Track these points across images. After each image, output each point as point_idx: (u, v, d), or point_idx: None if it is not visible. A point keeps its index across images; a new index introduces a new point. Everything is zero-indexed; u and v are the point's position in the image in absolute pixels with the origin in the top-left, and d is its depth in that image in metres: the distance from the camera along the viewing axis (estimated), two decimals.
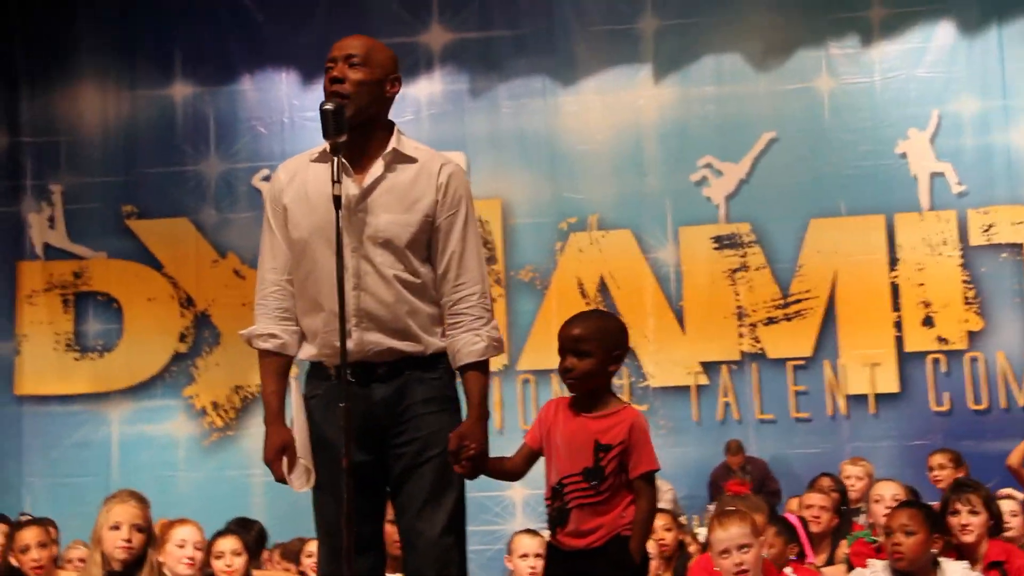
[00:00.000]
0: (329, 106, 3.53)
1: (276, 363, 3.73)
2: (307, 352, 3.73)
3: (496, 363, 9.76)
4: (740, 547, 4.69)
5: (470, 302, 3.69)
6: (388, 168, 3.67)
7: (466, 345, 3.65)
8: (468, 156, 10.25)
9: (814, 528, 6.54)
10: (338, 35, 10.80)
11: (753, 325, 9.88)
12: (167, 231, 10.48)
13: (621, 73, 10.32)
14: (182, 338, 10.34)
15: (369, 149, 3.68)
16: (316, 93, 10.48)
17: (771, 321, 9.87)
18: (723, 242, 10.01)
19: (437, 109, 10.39)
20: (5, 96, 10.66)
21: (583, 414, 3.71)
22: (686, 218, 10.09)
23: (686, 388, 9.87)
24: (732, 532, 4.72)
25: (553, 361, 9.90)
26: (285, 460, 3.59)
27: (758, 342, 9.86)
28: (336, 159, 3.49)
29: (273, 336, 3.73)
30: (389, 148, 3.69)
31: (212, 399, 10.20)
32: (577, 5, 10.38)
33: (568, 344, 3.72)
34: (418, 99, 10.39)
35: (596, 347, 3.69)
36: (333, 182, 3.46)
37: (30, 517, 6.50)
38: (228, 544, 5.59)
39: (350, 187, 3.61)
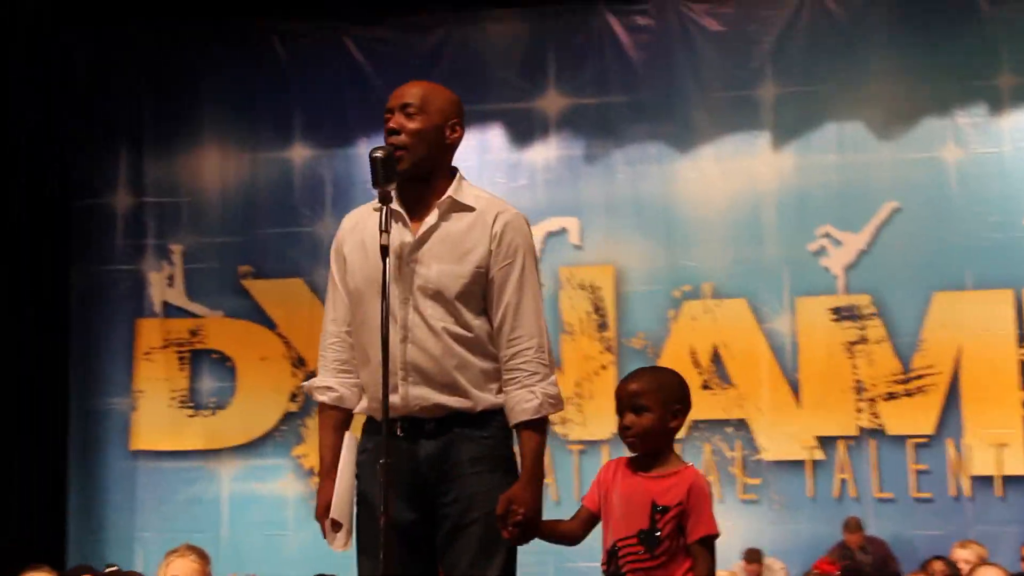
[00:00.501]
0: (378, 153, 3.42)
1: (333, 417, 3.62)
2: (362, 406, 3.61)
3: (605, 432, 9.70)
4: None
5: (525, 357, 3.51)
6: (443, 217, 3.54)
7: (519, 403, 3.48)
8: (582, 222, 10.18)
9: None
10: None
11: (872, 400, 9.55)
12: (281, 291, 10.57)
13: (740, 140, 10.17)
14: (293, 398, 10.38)
15: (428, 197, 3.55)
16: None
17: (891, 396, 9.53)
18: (842, 314, 9.73)
19: (552, 175, 10.34)
20: (131, 158, 10.91)
21: (641, 473, 3.53)
22: (804, 288, 9.84)
23: (801, 463, 9.57)
24: None
25: None
26: (331, 518, 3.48)
27: (877, 417, 9.53)
28: (385, 208, 3.37)
29: (329, 389, 3.62)
30: (445, 196, 3.55)
31: None
32: (696, 71, 10.26)
33: (626, 401, 3.56)
34: (533, 164, 10.37)
35: (654, 402, 3.51)
36: (381, 231, 3.34)
37: (116, 569, 6.50)
38: None
39: (405, 236, 3.50)
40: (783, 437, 9.61)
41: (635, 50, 10.33)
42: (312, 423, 10.29)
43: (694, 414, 9.87)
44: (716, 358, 9.82)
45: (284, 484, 10.28)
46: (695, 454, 9.55)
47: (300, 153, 10.72)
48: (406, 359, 3.46)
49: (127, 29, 10.84)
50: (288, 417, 10.38)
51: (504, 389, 3.52)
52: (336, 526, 3.47)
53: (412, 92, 3.57)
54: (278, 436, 10.37)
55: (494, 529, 3.40)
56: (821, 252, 9.87)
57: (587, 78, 10.43)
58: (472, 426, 3.50)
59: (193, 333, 10.66)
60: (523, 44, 10.58)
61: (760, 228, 9.99)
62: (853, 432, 9.54)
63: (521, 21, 10.56)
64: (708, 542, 3.45)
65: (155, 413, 10.57)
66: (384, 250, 3.34)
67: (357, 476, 3.54)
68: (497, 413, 3.52)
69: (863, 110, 9.99)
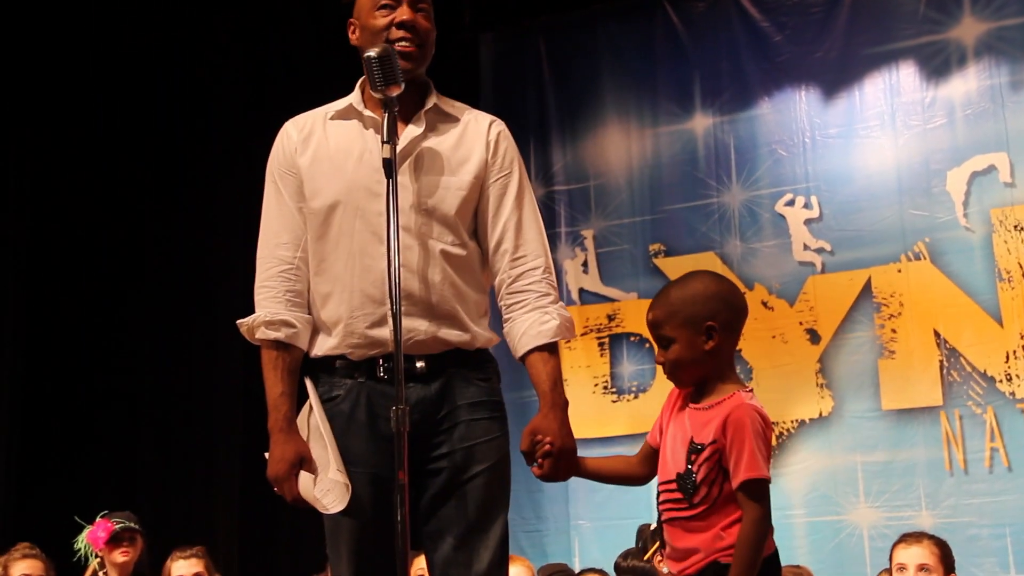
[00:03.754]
0: (373, 52, 2.97)
1: (286, 358, 3.14)
2: (323, 346, 3.11)
3: None
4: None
5: (533, 277, 3.12)
6: (429, 126, 3.13)
7: (534, 325, 3.06)
8: (1012, 157, 9.05)
9: None
10: (859, 45, 9.96)
11: None
12: (694, 266, 10.09)
13: None
14: None
15: (403, 107, 3.10)
16: (837, 109, 9.85)
17: None
18: None
19: (973, 109, 9.26)
20: (539, 148, 10.96)
21: (690, 404, 2.98)
22: None
23: None
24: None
25: None
26: (303, 475, 3.00)
27: None
28: (388, 114, 2.94)
29: (285, 324, 3.14)
30: (430, 104, 3.15)
31: None
32: None
33: (652, 334, 3.02)
34: (951, 100, 9.34)
35: (675, 328, 2.93)
36: (383, 142, 2.91)
37: None
38: None
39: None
40: None
41: None
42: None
43: None
44: None
45: None
46: None
47: (702, 122, 10.30)
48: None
49: (524, 23, 10.94)
50: None
51: (507, 316, 3.10)
52: (317, 484, 2.98)
53: None
54: None
55: (497, 486, 2.99)
56: None
57: None
58: (469, 366, 3.08)
59: (610, 318, 10.52)
60: None
61: None
62: None
63: None
64: (751, 488, 2.78)
65: (580, 400, 10.47)
66: (388, 164, 2.90)
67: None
68: (490, 353, 3.12)
69: None
